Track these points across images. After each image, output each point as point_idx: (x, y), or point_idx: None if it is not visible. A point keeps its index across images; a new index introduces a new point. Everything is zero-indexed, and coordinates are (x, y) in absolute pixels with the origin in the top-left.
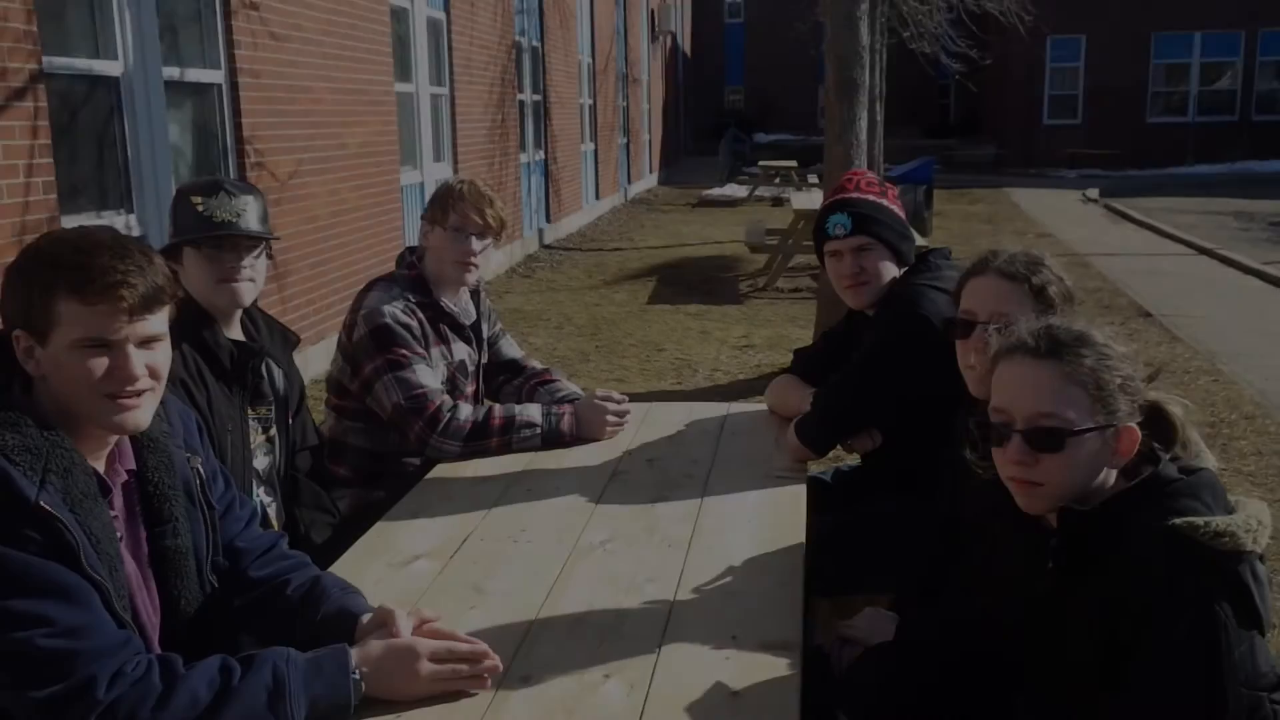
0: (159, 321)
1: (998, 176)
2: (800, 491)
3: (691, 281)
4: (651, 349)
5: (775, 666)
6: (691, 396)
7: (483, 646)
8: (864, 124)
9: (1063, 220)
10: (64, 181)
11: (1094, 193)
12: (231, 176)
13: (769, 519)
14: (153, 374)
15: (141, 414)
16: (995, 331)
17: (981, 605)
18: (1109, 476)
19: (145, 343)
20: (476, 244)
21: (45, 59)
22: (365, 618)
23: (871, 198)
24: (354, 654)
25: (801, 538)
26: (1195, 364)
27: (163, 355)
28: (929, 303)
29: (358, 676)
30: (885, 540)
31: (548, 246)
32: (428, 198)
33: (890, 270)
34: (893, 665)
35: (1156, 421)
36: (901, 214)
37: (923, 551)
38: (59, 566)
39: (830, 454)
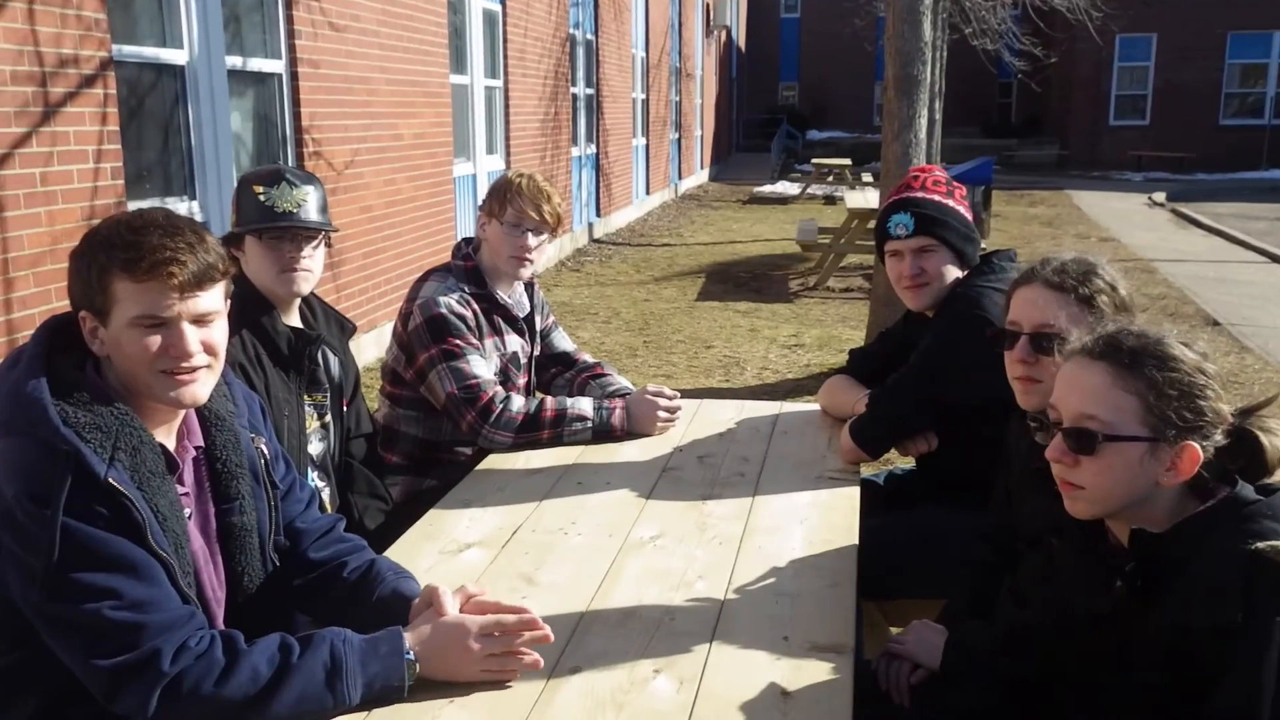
0: (211, 298)
1: (1060, 178)
2: (853, 493)
3: (741, 279)
4: (700, 346)
5: (827, 669)
6: (739, 394)
7: (530, 615)
8: (923, 122)
9: (1127, 224)
10: (131, 167)
11: (1161, 196)
12: (293, 166)
13: (821, 520)
14: (208, 350)
15: (199, 389)
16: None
17: (1036, 622)
18: (1175, 495)
19: (200, 319)
20: (532, 239)
21: (114, 47)
22: (416, 600)
23: (937, 198)
24: (407, 636)
25: (854, 540)
26: (1265, 375)
27: (218, 332)
28: (991, 305)
29: (411, 657)
30: (936, 546)
31: (597, 241)
32: (480, 190)
33: (952, 273)
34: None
35: (1245, 448)
36: (968, 215)
37: (974, 561)
38: (127, 542)
39: (884, 456)
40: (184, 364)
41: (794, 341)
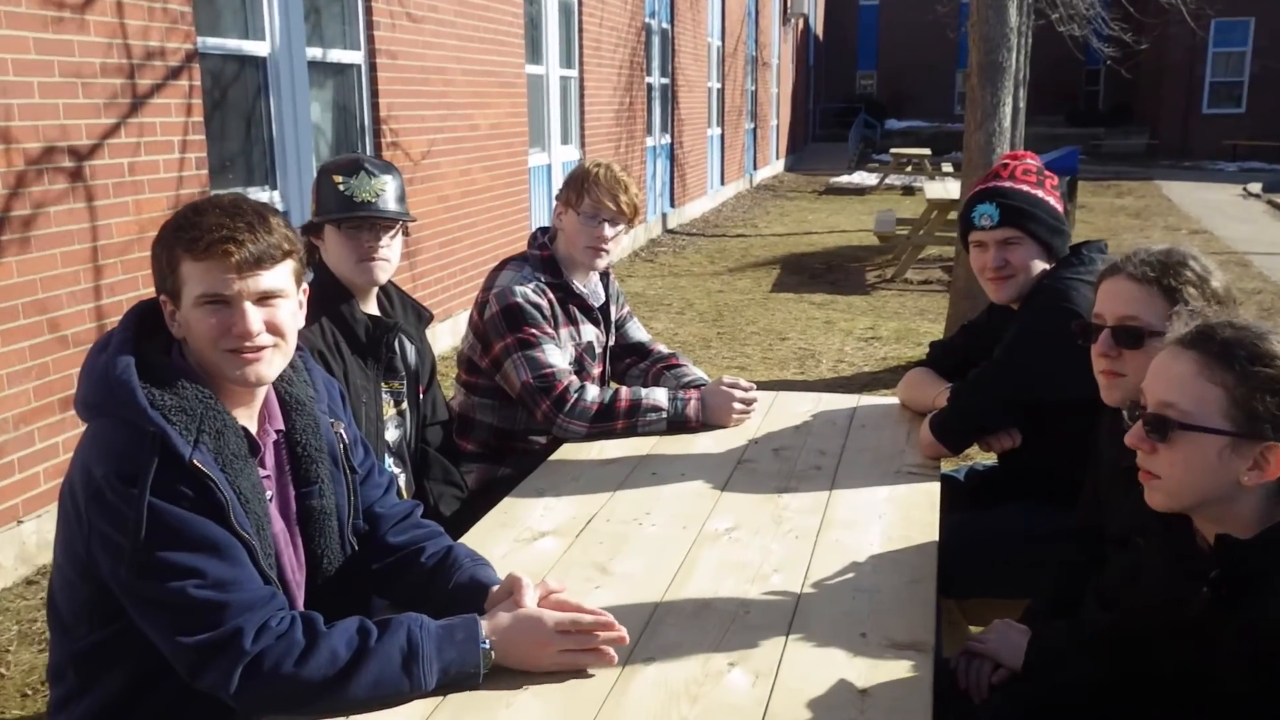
0: (274, 278)
1: (1149, 168)
2: (934, 489)
3: (816, 270)
4: (774, 337)
5: (905, 667)
6: (814, 387)
7: (608, 618)
8: (1008, 110)
9: (1220, 216)
10: (214, 157)
11: (1256, 187)
12: (372, 156)
13: (900, 515)
14: (273, 330)
15: (264, 368)
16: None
17: (1120, 625)
18: (1262, 498)
19: (263, 299)
20: (609, 230)
21: (199, 40)
22: (495, 589)
23: (1025, 188)
24: (484, 624)
25: (935, 536)
26: None
27: (284, 312)
28: (1080, 298)
29: (488, 645)
30: (1019, 545)
31: (671, 231)
32: (555, 180)
33: (1037, 265)
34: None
35: None
36: (1059, 206)
37: (1057, 562)
38: (210, 522)
39: (965, 452)
40: (247, 343)
41: (870, 334)
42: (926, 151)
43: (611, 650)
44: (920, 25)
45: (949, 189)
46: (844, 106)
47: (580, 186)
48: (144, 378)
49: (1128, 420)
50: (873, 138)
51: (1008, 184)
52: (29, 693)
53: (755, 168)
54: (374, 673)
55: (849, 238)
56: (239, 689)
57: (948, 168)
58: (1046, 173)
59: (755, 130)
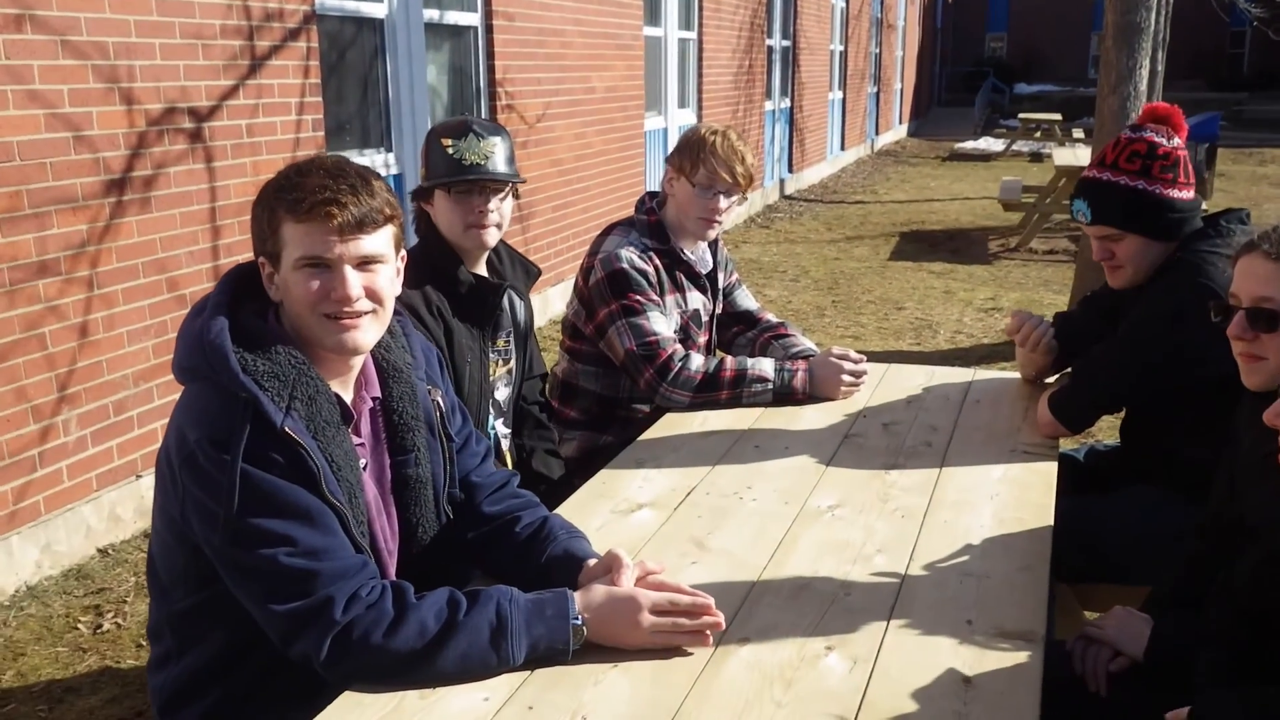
0: (375, 243)
1: None
2: (1050, 470)
3: (937, 238)
4: (890, 307)
5: (1014, 657)
6: (930, 359)
7: (706, 600)
8: (1144, 73)
9: None
10: (330, 119)
11: None
12: (483, 118)
13: (1014, 497)
14: (372, 296)
15: (361, 335)
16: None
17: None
18: None
19: (363, 263)
20: (724, 201)
21: (317, 1)
22: (590, 562)
23: (1124, 180)
24: (576, 599)
25: (1049, 520)
26: None
27: (383, 278)
28: (1216, 272)
29: (579, 621)
30: (1143, 531)
31: (788, 197)
32: (671, 144)
33: (1151, 251)
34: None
35: None
36: (1167, 192)
37: (1182, 551)
38: (302, 490)
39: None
40: (346, 308)
41: (991, 305)
42: (1057, 117)
43: (707, 633)
44: None
45: (1079, 155)
46: (972, 70)
47: (696, 155)
48: (238, 342)
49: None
50: (1001, 102)
51: (1105, 175)
52: (143, 643)
53: (877, 133)
54: (462, 646)
55: (972, 206)
56: (328, 658)
57: (1078, 134)
58: (1157, 154)
59: (878, 94)
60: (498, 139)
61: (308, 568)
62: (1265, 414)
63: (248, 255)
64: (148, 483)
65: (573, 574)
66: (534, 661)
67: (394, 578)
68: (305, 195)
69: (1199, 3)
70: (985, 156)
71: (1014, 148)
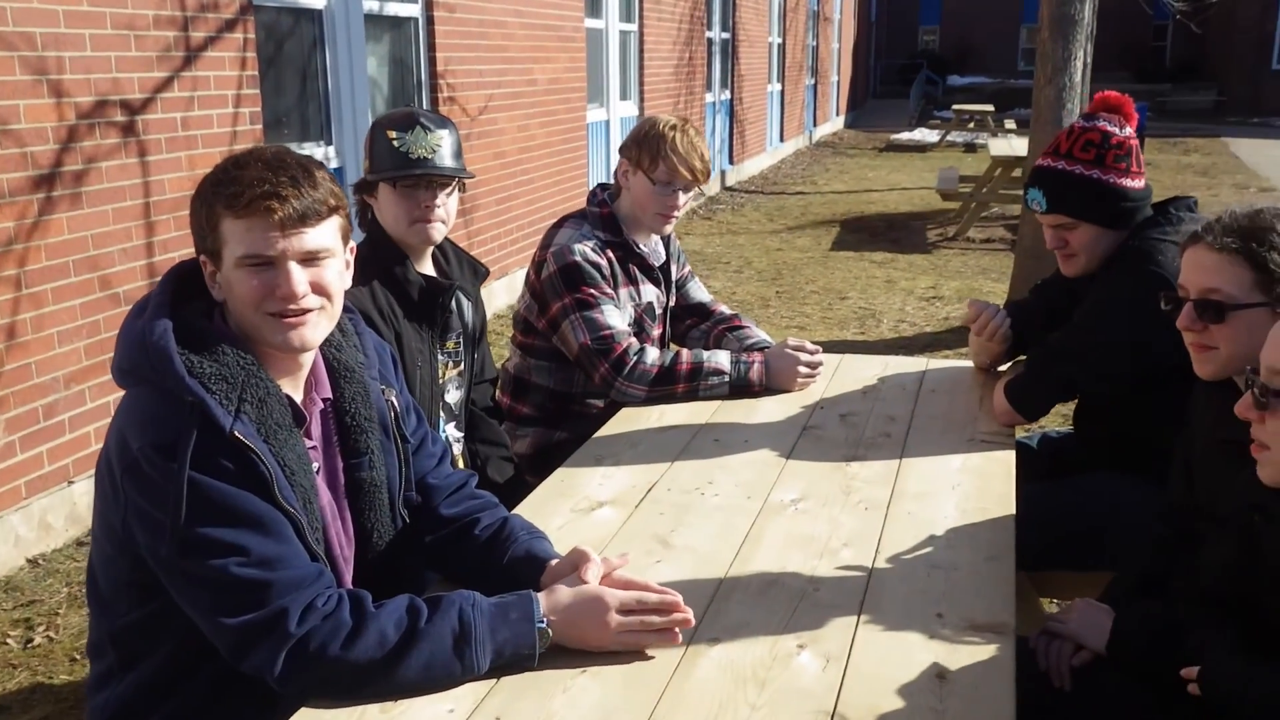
0: (319, 236)
1: (1216, 125)
2: (1009, 459)
3: (877, 228)
4: (834, 297)
5: (986, 650)
6: (875, 348)
7: (674, 597)
8: (1079, 64)
9: None
10: (269, 112)
11: None
12: (426, 110)
13: (975, 487)
14: (319, 291)
15: (309, 332)
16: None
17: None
18: None
19: (308, 258)
20: (682, 198)
21: None
22: (553, 562)
23: (1078, 169)
24: (541, 600)
25: (1012, 510)
26: None
27: (330, 272)
28: (1166, 260)
29: (544, 625)
30: (1099, 516)
31: (729, 189)
32: (614, 136)
33: (1104, 239)
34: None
35: None
36: (1120, 181)
37: (1143, 536)
38: (253, 497)
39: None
40: (291, 306)
41: (932, 293)
42: (989, 108)
43: (676, 630)
44: None
45: (1013, 146)
46: (906, 62)
47: (655, 150)
48: (183, 343)
49: (1246, 390)
50: (935, 94)
51: (1059, 164)
52: (77, 657)
53: (815, 124)
54: (424, 655)
55: (910, 196)
56: (284, 672)
57: (1011, 124)
58: (1111, 143)
59: (816, 86)
60: (445, 132)
61: (260, 578)
62: (1236, 407)
63: (184, 252)
64: (81, 489)
65: (535, 575)
66: (500, 669)
67: (350, 585)
68: (243, 189)
69: None
70: (921, 147)
71: (949, 139)
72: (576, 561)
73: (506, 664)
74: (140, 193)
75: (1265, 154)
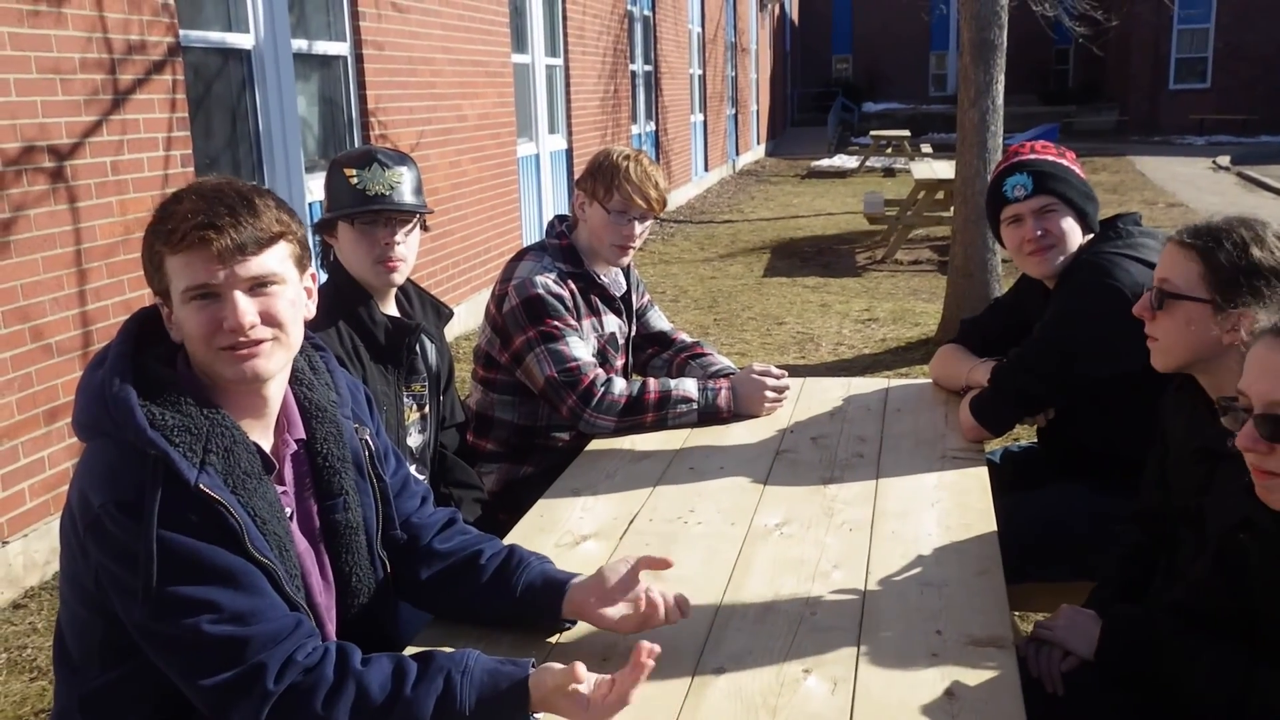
0: (265, 262)
1: (1120, 144)
2: (982, 473)
3: (807, 253)
4: (771, 322)
5: (989, 665)
6: (817, 371)
7: (641, 671)
8: (1000, 87)
9: (1193, 189)
10: (200, 154)
11: (1225, 160)
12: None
13: (954, 503)
14: (269, 320)
15: (264, 363)
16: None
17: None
18: None
19: (255, 287)
20: (638, 227)
21: (181, 32)
22: (575, 581)
23: (1050, 158)
24: (533, 693)
25: (993, 524)
26: None
27: (281, 300)
28: (1122, 272)
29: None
30: (1068, 526)
31: (659, 219)
32: (544, 169)
33: (1076, 234)
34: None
35: None
36: (1084, 175)
37: (1116, 543)
38: (223, 550)
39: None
40: (241, 338)
41: (867, 316)
42: (906, 133)
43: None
44: (894, 8)
45: (936, 169)
46: (821, 90)
47: (610, 181)
48: (144, 394)
49: (1223, 415)
50: (851, 121)
51: (1032, 156)
52: None
53: (738, 153)
54: None
55: (835, 220)
56: None
57: (927, 148)
58: (1065, 149)
59: (736, 116)
60: (404, 169)
61: (234, 634)
62: (1238, 441)
63: (117, 299)
64: (16, 548)
65: (553, 601)
66: None
67: (333, 634)
68: (178, 224)
69: (1026, 19)
70: (841, 173)
71: (868, 164)
72: (604, 581)
73: None
74: (71, 240)
75: (1168, 170)
